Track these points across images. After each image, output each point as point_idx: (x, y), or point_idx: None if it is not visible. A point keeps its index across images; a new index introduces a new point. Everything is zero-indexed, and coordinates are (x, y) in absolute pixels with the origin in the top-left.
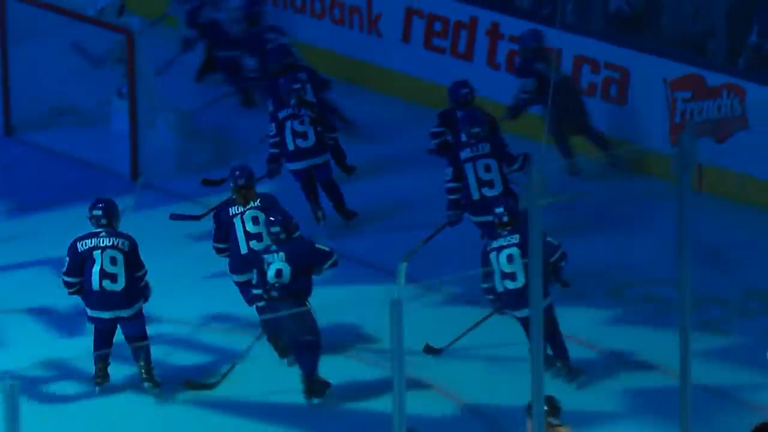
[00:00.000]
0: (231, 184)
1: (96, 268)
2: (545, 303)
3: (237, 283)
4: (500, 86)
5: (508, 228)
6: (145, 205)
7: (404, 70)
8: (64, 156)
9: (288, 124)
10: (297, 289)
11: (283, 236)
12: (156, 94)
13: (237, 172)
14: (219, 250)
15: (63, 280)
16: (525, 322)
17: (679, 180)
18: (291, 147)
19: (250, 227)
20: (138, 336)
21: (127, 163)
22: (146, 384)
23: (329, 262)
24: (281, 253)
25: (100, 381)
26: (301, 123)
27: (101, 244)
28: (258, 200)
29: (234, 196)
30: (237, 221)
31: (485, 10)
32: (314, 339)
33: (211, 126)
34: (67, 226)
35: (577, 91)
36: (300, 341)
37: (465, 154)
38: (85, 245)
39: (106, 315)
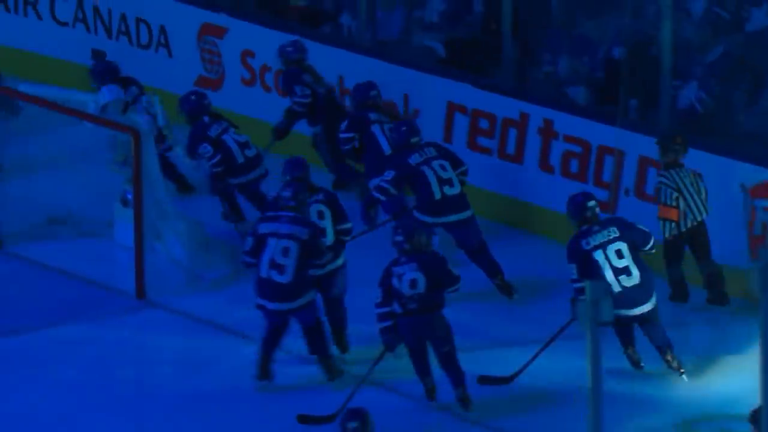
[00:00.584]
0: (287, 177)
1: (266, 257)
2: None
3: None
4: (555, 193)
5: (599, 222)
6: (152, 326)
7: None
8: (60, 271)
9: (227, 138)
10: (434, 300)
11: (407, 246)
12: (165, 200)
13: (291, 165)
14: None
15: (243, 259)
16: (637, 321)
17: (760, 299)
18: (241, 160)
19: (315, 221)
20: (310, 325)
21: (132, 280)
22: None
23: (453, 288)
24: (413, 263)
25: (262, 377)
26: (237, 133)
27: (279, 231)
28: (321, 193)
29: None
30: None
31: (537, 105)
32: (453, 348)
33: (227, 236)
34: (62, 350)
35: (342, 106)
36: (442, 352)
37: (415, 159)
38: (266, 228)
39: (270, 306)
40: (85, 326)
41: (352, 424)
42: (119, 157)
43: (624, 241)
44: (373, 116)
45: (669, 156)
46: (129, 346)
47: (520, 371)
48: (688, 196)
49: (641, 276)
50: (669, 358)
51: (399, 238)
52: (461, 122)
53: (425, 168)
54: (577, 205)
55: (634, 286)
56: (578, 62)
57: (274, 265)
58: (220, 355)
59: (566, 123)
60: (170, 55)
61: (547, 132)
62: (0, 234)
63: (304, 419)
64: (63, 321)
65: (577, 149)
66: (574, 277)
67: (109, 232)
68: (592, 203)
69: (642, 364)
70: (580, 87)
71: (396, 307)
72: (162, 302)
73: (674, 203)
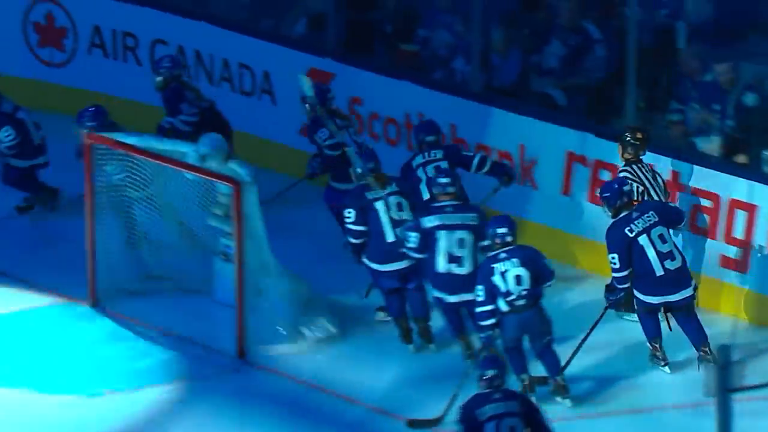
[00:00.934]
0: (359, 170)
1: (442, 250)
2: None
3: (375, 272)
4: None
5: (636, 209)
6: (253, 387)
7: (564, 228)
8: (158, 330)
9: None
10: (538, 293)
11: (509, 238)
12: (267, 254)
13: (365, 156)
14: (358, 234)
15: (412, 255)
16: (680, 305)
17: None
18: None
19: (395, 214)
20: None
21: (233, 339)
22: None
23: (549, 282)
24: (515, 259)
25: (470, 357)
26: None
27: (448, 222)
28: (394, 184)
29: (366, 181)
30: (380, 206)
31: (663, 156)
32: (552, 338)
33: (331, 292)
34: (161, 411)
35: (225, 119)
36: (543, 343)
37: (418, 160)
38: (431, 221)
39: (451, 298)
40: (183, 387)
41: (491, 372)
42: (220, 210)
43: (664, 225)
44: (339, 122)
45: (629, 152)
46: (229, 408)
47: (565, 366)
48: (652, 191)
49: (682, 259)
50: (706, 350)
51: (503, 230)
52: (581, 174)
53: (419, 170)
54: (614, 191)
55: (677, 269)
56: (707, 110)
57: (453, 258)
58: (323, 418)
59: (694, 175)
60: (274, 102)
61: (674, 184)
62: (96, 291)
63: (412, 423)
64: (161, 381)
65: (707, 203)
66: (617, 266)
67: (209, 288)
68: (627, 187)
69: (668, 361)
70: (710, 136)
71: (500, 305)
72: (263, 363)
73: (640, 198)
